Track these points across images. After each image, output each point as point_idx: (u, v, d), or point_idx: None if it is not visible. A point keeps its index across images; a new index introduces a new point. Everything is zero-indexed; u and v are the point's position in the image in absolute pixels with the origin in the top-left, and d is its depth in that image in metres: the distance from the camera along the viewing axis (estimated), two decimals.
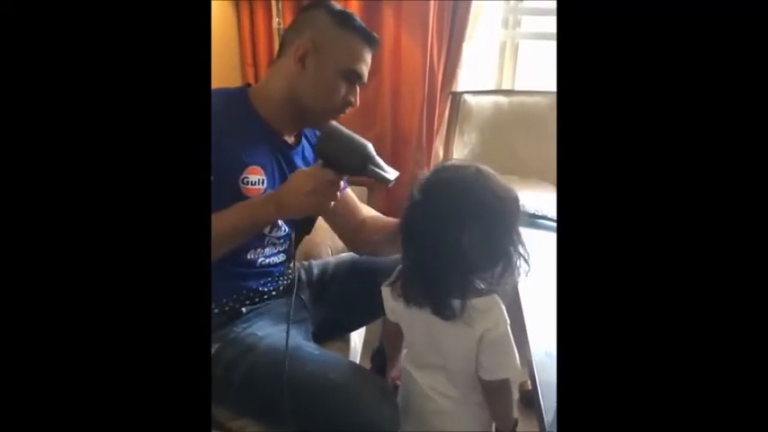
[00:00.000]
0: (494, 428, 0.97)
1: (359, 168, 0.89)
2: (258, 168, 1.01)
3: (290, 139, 1.11)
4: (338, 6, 1.04)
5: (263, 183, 1.01)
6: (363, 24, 1.03)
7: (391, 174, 0.90)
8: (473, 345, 0.86)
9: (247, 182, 0.99)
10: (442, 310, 0.84)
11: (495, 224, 0.81)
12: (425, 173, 0.86)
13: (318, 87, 1.02)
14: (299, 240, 0.99)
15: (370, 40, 1.03)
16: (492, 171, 0.84)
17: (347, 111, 1.06)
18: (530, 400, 0.84)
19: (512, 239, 0.83)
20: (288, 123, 1.08)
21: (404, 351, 1.02)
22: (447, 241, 0.80)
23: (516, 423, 0.95)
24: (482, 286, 0.85)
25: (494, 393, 0.92)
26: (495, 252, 0.83)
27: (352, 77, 1.03)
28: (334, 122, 0.94)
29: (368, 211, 1.23)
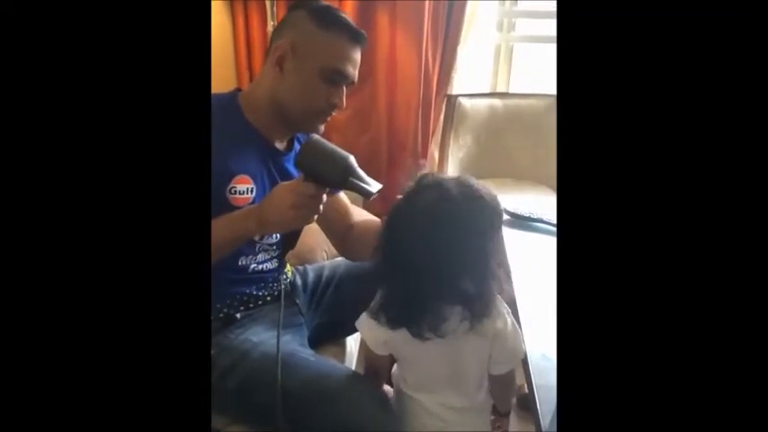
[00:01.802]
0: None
1: (340, 182, 0.87)
2: (246, 177, 0.98)
3: (281, 146, 1.08)
4: (322, 4, 1.00)
5: (251, 191, 0.99)
6: (349, 21, 0.99)
7: (373, 186, 0.89)
8: (487, 347, 0.86)
9: (235, 191, 0.97)
10: (440, 333, 0.82)
11: (473, 239, 0.78)
12: (398, 203, 0.84)
13: (297, 91, 0.99)
14: (283, 253, 0.98)
15: (356, 37, 0.99)
16: (458, 182, 0.80)
17: (334, 113, 1.03)
18: (526, 402, 0.83)
19: (493, 248, 0.81)
20: (276, 129, 1.05)
21: (399, 378, 0.97)
22: (434, 269, 0.78)
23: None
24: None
25: (501, 384, 0.93)
26: (483, 266, 0.80)
27: (335, 78, 0.99)
28: (315, 135, 0.90)
29: (359, 215, 1.22)
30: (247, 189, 0.98)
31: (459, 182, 0.81)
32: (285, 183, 0.89)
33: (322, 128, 1.04)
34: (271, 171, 1.04)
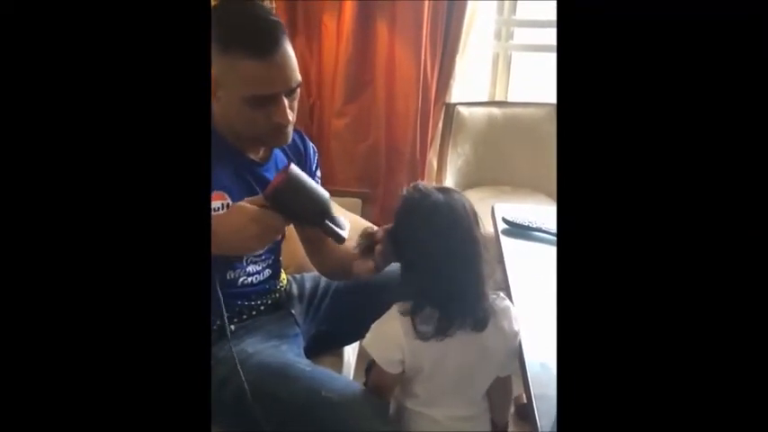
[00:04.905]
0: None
1: (314, 223, 0.86)
2: (222, 193, 0.94)
3: (257, 156, 1.03)
4: (223, 19, 0.87)
5: (228, 207, 0.94)
6: (252, 26, 0.88)
7: (345, 231, 0.88)
8: (506, 346, 0.89)
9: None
10: (481, 320, 0.85)
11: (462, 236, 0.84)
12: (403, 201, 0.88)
13: (238, 119, 0.93)
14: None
15: (264, 49, 0.86)
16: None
17: (287, 129, 0.95)
18: (525, 413, 0.83)
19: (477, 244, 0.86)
20: (246, 143, 1.00)
21: (406, 396, 0.97)
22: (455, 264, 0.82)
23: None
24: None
25: (501, 388, 0.95)
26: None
27: (262, 101, 0.90)
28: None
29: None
30: (222, 205, 0.94)
31: (442, 189, 0.89)
32: (247, 208, 0.82)
33: (289, 136, 0.98)
34: (248, 183, 1.00)
